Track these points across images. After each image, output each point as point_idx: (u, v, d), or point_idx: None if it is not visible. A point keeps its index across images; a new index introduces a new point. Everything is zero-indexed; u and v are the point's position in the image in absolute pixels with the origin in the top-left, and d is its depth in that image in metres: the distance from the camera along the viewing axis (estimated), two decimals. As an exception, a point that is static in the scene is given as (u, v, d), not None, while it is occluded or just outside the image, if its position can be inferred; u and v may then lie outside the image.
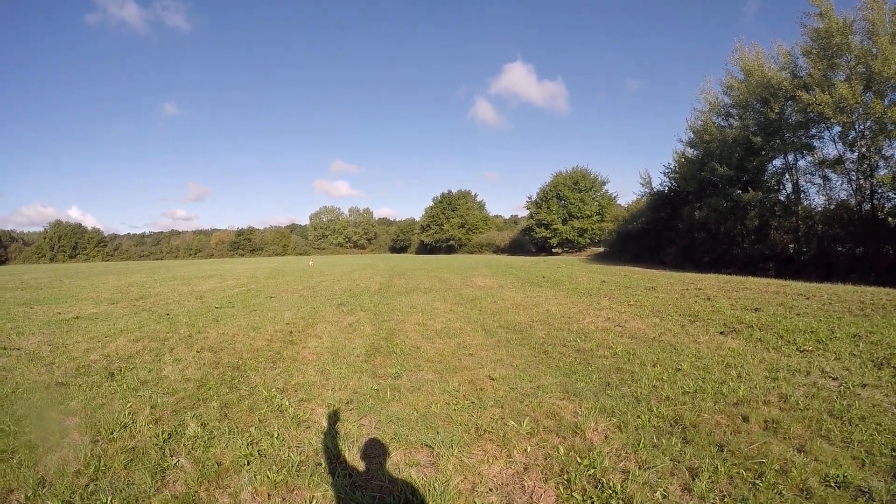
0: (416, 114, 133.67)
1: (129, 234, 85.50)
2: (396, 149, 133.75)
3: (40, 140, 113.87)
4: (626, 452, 2.25)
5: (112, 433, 2.96)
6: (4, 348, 5.16)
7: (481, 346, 4.63)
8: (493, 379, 3.55)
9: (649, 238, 19.11)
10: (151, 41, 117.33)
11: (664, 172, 18.57)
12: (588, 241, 38.85)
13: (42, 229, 69.46)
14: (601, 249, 31.77)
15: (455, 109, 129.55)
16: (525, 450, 2.41)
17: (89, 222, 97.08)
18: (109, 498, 2.19)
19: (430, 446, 2.56)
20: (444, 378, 3.73)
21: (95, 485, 2.30)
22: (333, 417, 3.09)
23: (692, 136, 16.33)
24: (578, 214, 38.48)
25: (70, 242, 66.38)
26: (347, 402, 3.34)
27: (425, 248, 60.50)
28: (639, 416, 2.59)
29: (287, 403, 3.38)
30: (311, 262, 29.02)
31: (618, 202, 37.36)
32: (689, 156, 16.66)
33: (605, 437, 2.40)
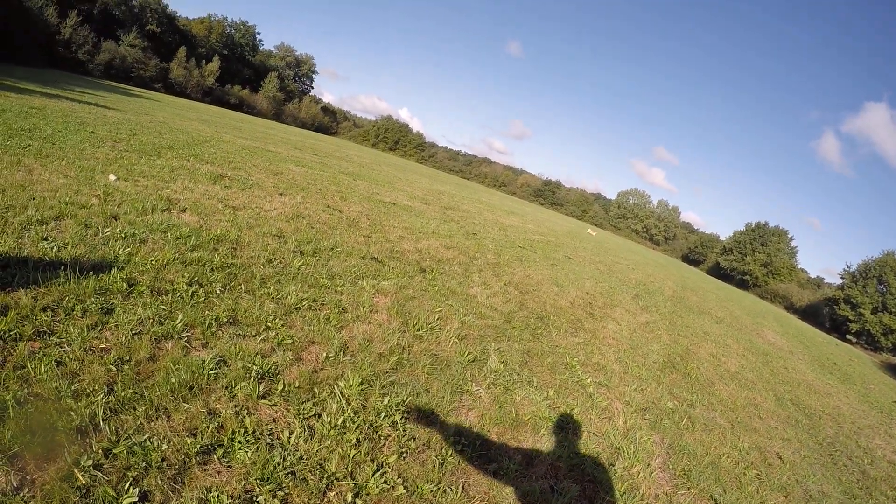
0: (756, 123, 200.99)
1: (446, 147, 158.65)
2: (723, 154, 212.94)
3: (393, 45, 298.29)
4: None
5: (419, 331, 5.15)
6: (329, 206, 10.31)
7: (772, 414, 8.16)
8: (781, 459, 6.24)
9: (963, 369, 34.68)
10: None
11: None
12: (890, 344, 62.29)
13: (373, 118, 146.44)
14: (898, 361, 52.84)
15: (798, 135, 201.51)
16: (801, 559, 4.43)
17: (414, 125, 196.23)
18: (408, 396, 3.79)
19: (718, 503, 4.40)
20: (734, 430, 6.54)
21: (397, 376, 4.08)
22: (631, 421, 5.30)
23: None
24: (894, 309, 63.82)
25: (394, 136, 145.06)
26: (644, 410, 5.79)
27: (718, 272, 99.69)
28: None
29: (588, 381, 5.90)
30: (592, 233, 48.92)
31: (942, 319, 62.82)
32: None
33: (880, 593, 4.41)
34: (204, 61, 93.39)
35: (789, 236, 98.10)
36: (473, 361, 5.06)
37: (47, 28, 62.31)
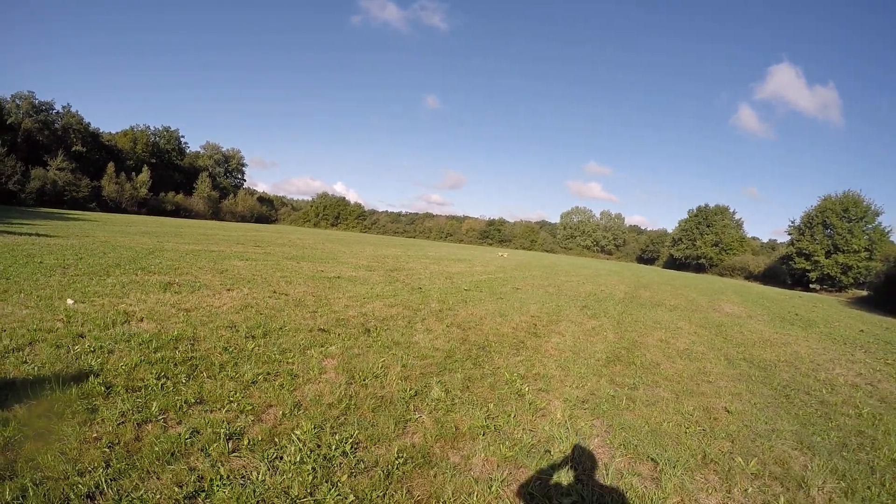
0: (673, 119, 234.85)
1: (386, 211, 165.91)
2: (652, 154, 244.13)
3: (313, 122, 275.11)
4: (846, 519, 4.52)
5: (364, 380, 5.87)
6: (275, 292, 11.03)
7: (721, 376, 8.51)
8: (728, 412, 6.56)
9: (922, 287, 37.86)
10: (412, 39, 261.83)
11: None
12: (851, 280, 67.95)
13: (310, 199, 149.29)
14: (864, 293, 56.62)
15: (716, 116, 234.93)
16: (746, 489, 4.53)
17: (352, 197, 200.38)
18: (356, 431, 4.47)
19: (655, 461, 4.80)
20: (679, 399, 6.87)
21: (345, 418, 4.77)
22: (568, 412, 5.79)
23: None
24: (844, 248, 67.34)
25: (333, 212, 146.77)
26: (583, 401, 6.27)
27: (674, 263, 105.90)
28: (869, 487, 4.87)
29: (526, 389, 6.38)
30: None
31: (891, 238, 67.84)
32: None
33: (830, 499, 4.57)
34: (134, 173, 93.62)
35: (731, 210, 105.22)
36: (415, 395, 5.71)
37: (-28, 161, 62.12)
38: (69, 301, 8.06)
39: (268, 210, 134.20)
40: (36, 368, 5.04)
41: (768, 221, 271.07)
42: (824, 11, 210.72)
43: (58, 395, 4.43)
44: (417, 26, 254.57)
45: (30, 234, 19.71)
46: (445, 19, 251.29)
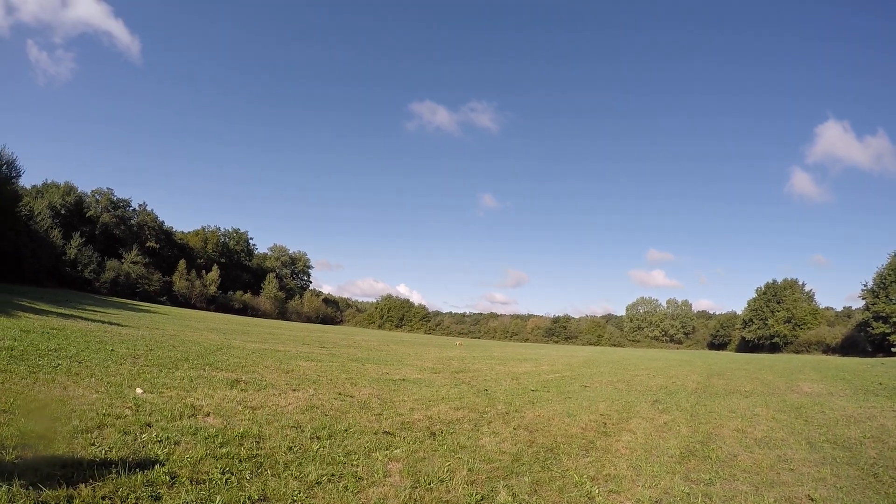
0: (727, 196, 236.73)
1: (450, 312, 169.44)
2: (711, 235, 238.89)
3: (375, 226, 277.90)
4: None
5: (430, 484, 5.76)
6: (340, 394, 11.18)
7: (803, 462, 8.37)
8: (812, 499, 6.46)
9: None
10: (464, 140, 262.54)
11: None
12: None
13: (374, 300, 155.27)
14: (955, 353, 54.58)
15: (769, 185, 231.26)
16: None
17: (415, 298, 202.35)
18: None
19: None
20: (759, 491, 6.70)
21: (411, 523, 4.85)
22: None
23: None
24: None
25: (398, 314, 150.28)
26: (656, 501, 6.17)
27: (746, 346, 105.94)
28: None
29: (596, 491, 6.27)
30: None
31: (977, 289, 66.31)
32: None
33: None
34: (204, 271, 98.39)
35: (801, 283, 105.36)
36: (482, 500, 5.60)
37: (54, 250, 68.03)
38: (138, 390, 8.41)
39: (333, 311, 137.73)
40: (103, 451, 5.25)
41: (840, 288, 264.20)
42: (859, 59, 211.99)
43: (123, 480, 4.55)
44: (469, 128, 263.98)
45: (102, 322, 20.96)
46: (495, 119, 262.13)
